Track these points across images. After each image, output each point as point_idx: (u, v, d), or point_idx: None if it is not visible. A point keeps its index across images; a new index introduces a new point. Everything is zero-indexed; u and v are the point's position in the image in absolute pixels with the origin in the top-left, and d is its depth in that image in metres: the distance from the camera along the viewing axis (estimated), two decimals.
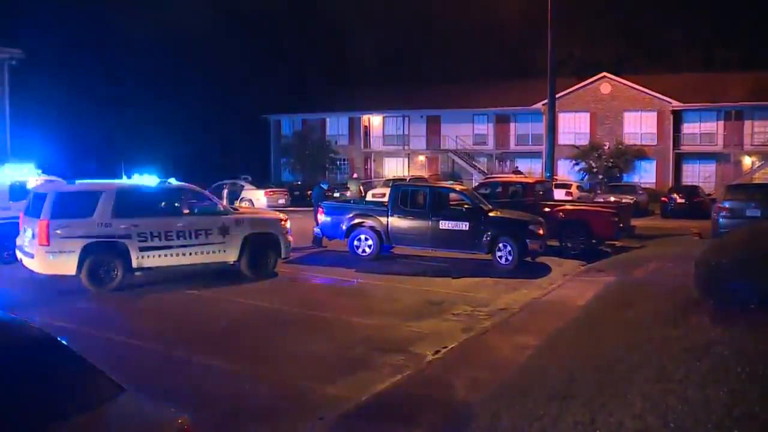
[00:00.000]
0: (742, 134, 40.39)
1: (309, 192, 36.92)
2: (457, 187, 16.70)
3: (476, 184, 29.31)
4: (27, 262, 11.65)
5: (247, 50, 56.28)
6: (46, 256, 11.13)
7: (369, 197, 29.28)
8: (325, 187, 23.94)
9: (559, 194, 25.90)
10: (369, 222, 15.55)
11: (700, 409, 4.46)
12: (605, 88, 42.62)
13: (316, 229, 16.57)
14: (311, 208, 24.13)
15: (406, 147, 48.25)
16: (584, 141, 41.89)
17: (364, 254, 15.48)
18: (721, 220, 17.75)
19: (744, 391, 4.53)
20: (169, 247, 11.93)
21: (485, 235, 14.53)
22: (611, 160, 40.46)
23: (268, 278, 12.87)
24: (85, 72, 43.67)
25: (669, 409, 4.59)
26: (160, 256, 11.86)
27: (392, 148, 48.80)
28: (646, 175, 40.73)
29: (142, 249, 11.66)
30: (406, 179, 35.48)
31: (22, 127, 26.38)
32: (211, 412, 6.03)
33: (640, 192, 33.07)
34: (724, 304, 6.65)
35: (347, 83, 54.53)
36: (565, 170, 40.79)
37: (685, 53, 54.49)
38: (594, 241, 17.08)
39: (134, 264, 11.65)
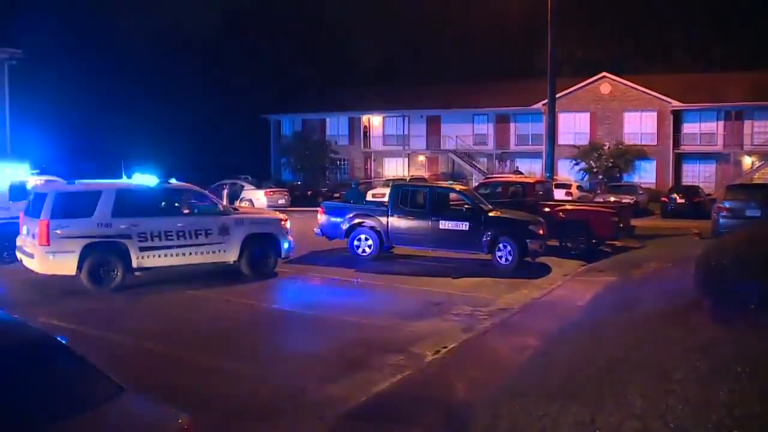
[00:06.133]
0: (742, 134, 40.37)
1: (309, 192, 36.99)
2: (457, 187, 16.69)
3: (476, 184, 29.30)
4: (27, 262, 11.65)
5: (247, 50, 56.28)
6: (46, 256, 11.13)
7: (369, 197, 29.26)
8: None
9: (559, 194, 25.89)
10: (369, 222, 15.55)
11: (700, 409, 4.46)
12: (605, 88, 42.62)
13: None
14: (312, 208, 24.15)
15: (406, 147, 48.24)
16: (584, 141, 41.87)
17: (364, 254, 15.48)
18: (721, 220, 17.77)
19: (744, 391, 4.53)
20: (169, 247, 11.93)
21: (485, 235, 14.52)
22: (611, 160, 40.44)
23: (268, 278, 12.87)
24: (85, 72, 43.66)
25: (669, 409, 4.59)
26: (160, 256, 11.86)
27: (392, 148, 48.80)
28: (646, 175, 40.70)
29: (142, 249, 11.66)
30: (406, 179, 35.45)
31: (22, 127, 26.39)
32: (211, 412, 6.03)
33: (640, 192, 33.05)
34: (724, 304, 6.65)
35: (347, 83, 54.51)
36: (565, 170, 40.77)
37: (685, 53, 54.44)
38: (594, 241, 17.07)
39: (134, 264, 11.65)
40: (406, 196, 15.62)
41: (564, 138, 41.17)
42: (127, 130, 41.87)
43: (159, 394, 4.37)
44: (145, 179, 12.43)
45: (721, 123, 40.84)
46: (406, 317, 10.05)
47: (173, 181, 13.11)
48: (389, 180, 34.22)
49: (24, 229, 11.93)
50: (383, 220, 15.44)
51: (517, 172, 37.63)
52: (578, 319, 9.24)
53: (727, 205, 17.99)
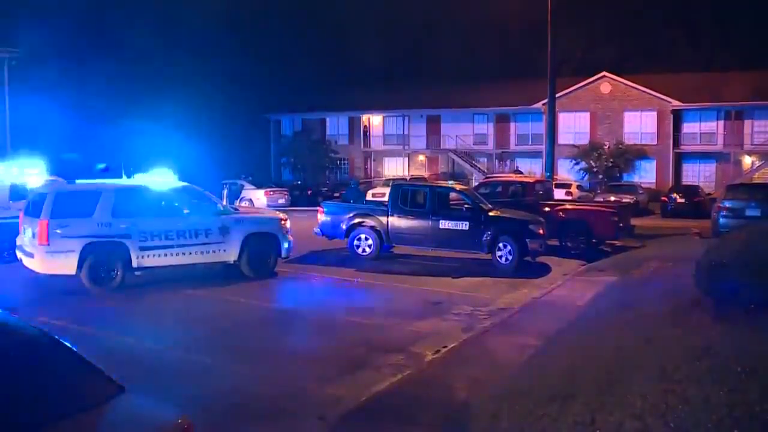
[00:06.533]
0: (742, 134, 40.39)
1: (309, 192, 36.98)
2: (457, 187, 16.69)
3: (476, 183, 29.29)
4: (27, 261, 11.65)
5: (247, 50, 56.26)
6: (46, 256, 11.13)
7: (369, 197, 29.29)
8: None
9: (559, 194, 25.91)
10: (369, 221, 15.55)
11: (700, 409, 4.46)
12: (605, 87, 42.62)
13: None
14: (312, 208, 24.12)
15: (406, 147, 48.25)
16: (584, 141, 41.89)
17: (364, 254, 15.48)
18: (721, 219, 17.77)
19: (744, 391, 4.53)
20: (169, 247, 11.92)
21: (485, 235, 14.52)
22: (611, 160, 40.46)
23: (268, 278, 12.87)
24: (84, 71, 43.66)
25: (669, 409, 4.59)
26: (160, 255, 11.85)
27: (392, 148, 48.80)
28: (646, 174, 40.72)
29: (142, 249, 11.65)
30: (407, 179, 35.43)
31: (22, 127, 26.42)
32: (211, 412, 6.03)
33: (640, 192, 33.06)
34: (724, 304, 6.65)
35: (347, 83, 54.49)
36: (565, 170, 40.79)
37: (685, 53, 54.45)
38: (594, 240, 17.08)
39: (134, 264, 11.65)
40: (406, 196, 15.61)
41: (564, 138, 41.18)
42: (126, 129, 41.85)
43: (159, 394, 4.37)
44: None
45: (721, 123, 40.87)
46: (406, 317, 10.05)
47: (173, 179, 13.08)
48: (389, 179, 34.19)
49: (24, 229, 11.93)
50: (383, 219, 15.44)
51: (517, 171, 37.63)
52: (578, 319, 9.24)
53: (727, 205, 17.99)
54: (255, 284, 12.37)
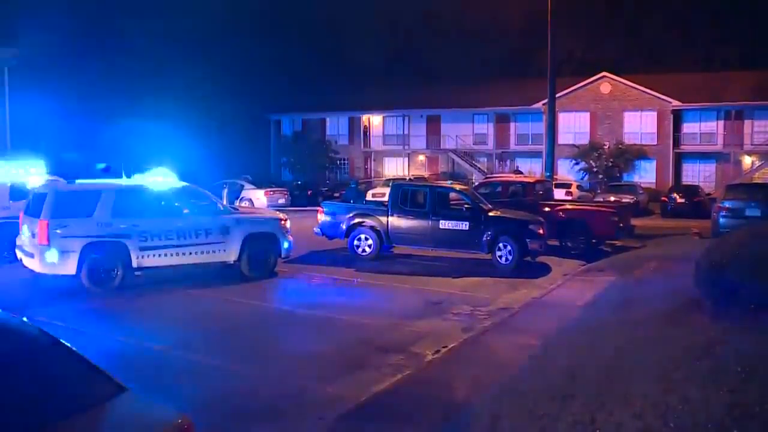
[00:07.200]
0: (742, 134, 40.37)
1: (309, 192, 36.95)
2: (457, 187, 16.69)
3: (476, 183, 29.29)
4: (27, 261, 11.65)
5: (247, 50, 56.25)
6: (46, 256, 11.12)
7: (369, 197, 29.28)
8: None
9: (559, 194, 25.90)
10: (369, 221, 15.55)
11: (700, 409, 4.46)
12: (605, 87, 42.61)
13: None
14: (312, 208, 24.14)
15: (406, 147, 48.25)
16: (584, 141, 41.88)
17: (364, 254, 15.48)
18: (721, 219, 17.77)
19: (744, 391, 4.53)
20: (170, 247, 11.92)
21: (485, 235, 14.53)
22: (611, 160, 40.45)
23: (268, 278, 12.87)
24: (84, 71, 43.66)
25: (669, 409, 4.59)
26: (160, 255, 11.85)
27: (392, 148, 48.80)
28: (646, 174, 40.70)
29: (142, 249, 11.65)
30: (411, 178, 35.38)
31: (22, 127, 26.42)
32: (211, 412, 6.04)
33: (640, 192, 33.04)
34: (724, 304, 6.66)
35: (347, 83, 54.49)
36: (565, 170, 40.77)
37: (685, 53, 54.44)
38: (594, 240, 17.08)
39: (134, 264, 11.64)
40: (406, 196, 15.62)
41: (564, 137, 41.18)
42: (126, 129, 41.85)
43: (159, 394, 4.37)
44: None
45: (721, 122, 40.85)
46: (406, 317, 10.05)
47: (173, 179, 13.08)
48: (389, 179, 34.13)
49: (24, 229, 11.93)
50: (383, 219, 15.44)
51: (517, 171, 37.63)
52: (578, 319, 9.24)
53: (727, 205, 17.99)
54: (255, 284, 12.37)
